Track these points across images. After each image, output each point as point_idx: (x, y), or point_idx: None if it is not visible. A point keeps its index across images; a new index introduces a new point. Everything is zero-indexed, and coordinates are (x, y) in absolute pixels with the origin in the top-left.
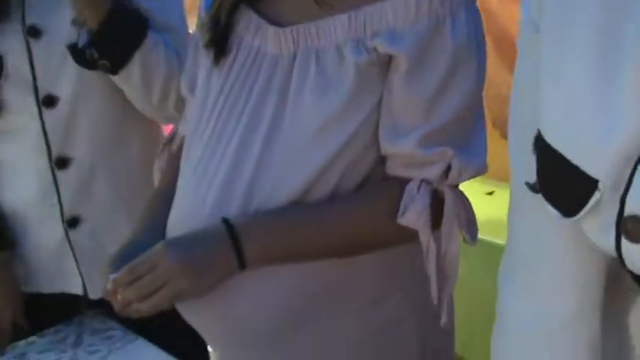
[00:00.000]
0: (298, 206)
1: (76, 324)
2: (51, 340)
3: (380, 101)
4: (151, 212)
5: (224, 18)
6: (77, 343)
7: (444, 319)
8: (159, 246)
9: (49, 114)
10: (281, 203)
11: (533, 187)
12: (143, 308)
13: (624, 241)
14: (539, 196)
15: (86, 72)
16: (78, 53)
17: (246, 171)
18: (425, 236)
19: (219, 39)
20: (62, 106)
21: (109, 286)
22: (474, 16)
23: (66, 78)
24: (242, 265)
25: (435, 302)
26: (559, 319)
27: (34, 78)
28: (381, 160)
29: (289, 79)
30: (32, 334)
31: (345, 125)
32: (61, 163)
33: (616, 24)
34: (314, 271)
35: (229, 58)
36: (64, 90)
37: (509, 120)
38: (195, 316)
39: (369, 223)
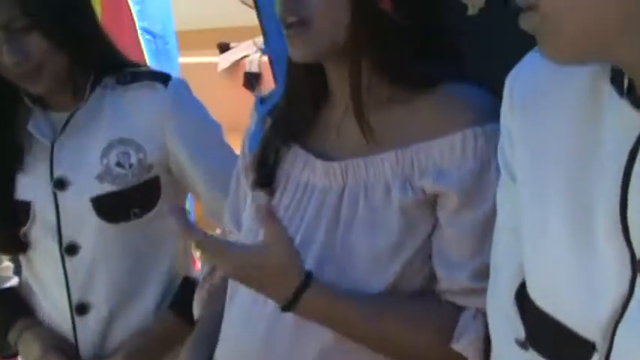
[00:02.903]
0: (361, 295)
1: None
2: None
3: (431, 234)
4: (194, 351)
5: (272, 158)
6: None
7: None
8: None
9: (70, 261)
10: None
11: (523, 345)
12: None
13: None
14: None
15: (106, 225)
16: (101, 207)
17: None
18: None
19: (267, 180)
20: (83, 255)
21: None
22: None
23: (88, 228)
24: (296, 297)
25: None
26: None
27: (59, 226)
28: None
29: (338, 211)
30: None
31: (397, 258)
32: (81, 308)
33: (583, 193)
34: None
35: (277, 194)
36: (85, 239)
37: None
38: None
39: (421, 340)
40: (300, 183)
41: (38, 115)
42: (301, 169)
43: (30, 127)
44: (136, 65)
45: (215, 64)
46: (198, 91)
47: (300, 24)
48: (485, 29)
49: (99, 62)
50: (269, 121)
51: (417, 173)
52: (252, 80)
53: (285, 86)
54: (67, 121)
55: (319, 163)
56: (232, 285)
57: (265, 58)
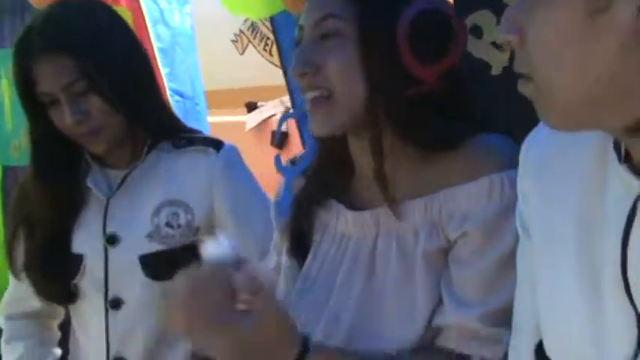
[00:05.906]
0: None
1: None
2: None
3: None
4: None
5: (304, 223)
6: None
7: None
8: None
9: (113, 315)
10: None
11: None
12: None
13: None
14: None
15: (151, 282)
16: (148, 264)
17: None
18: None
19: (301, 246)
20: (125, 310)
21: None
22: None
23: (133, 284)
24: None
25: None
26: None
27: (106, 280)
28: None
29: (373, 259)
30: None
31: (425, 307)
32: None
33: (591, 255)
34: None
35: (314, 246)
36: (129, 295)
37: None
38: None
39: None
40: (336, 234)
41: (96, 171)
42: (336, 221)
43: (88, 182)
44: (192, 131)
45: (243, 123)
46: None
47: (321, 97)
48: (510, 87)
49: (157, 126)
50: (299, 184)
51: (445, 219)
52: (279, 139)
53: (317, 150)
54: (124, 179)
55: (350, 214)
56: None
57: None
